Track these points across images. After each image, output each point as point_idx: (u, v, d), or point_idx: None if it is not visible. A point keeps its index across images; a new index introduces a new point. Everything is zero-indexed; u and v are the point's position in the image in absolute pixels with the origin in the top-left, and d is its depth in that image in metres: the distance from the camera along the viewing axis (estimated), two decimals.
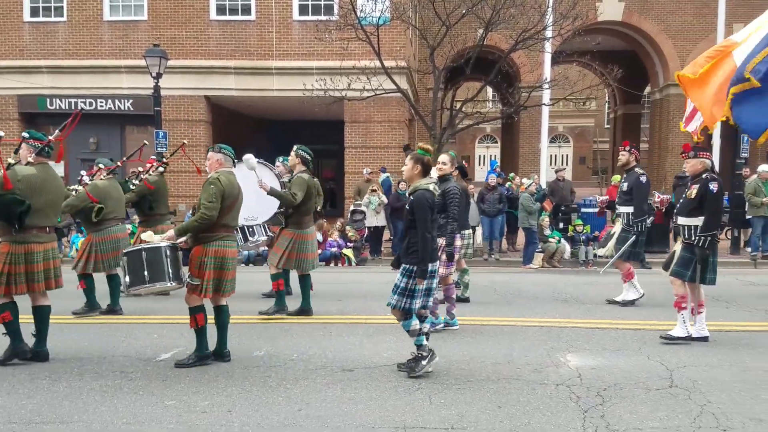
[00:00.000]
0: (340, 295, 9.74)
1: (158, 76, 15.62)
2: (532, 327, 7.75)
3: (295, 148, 8.68)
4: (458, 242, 7.77)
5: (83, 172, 9.51)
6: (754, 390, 5.43)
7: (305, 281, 8.65)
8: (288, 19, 18.96)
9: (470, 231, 9.11)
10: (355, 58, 16.70)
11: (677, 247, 7.19)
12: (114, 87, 19.26)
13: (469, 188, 9.29)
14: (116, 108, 19.41)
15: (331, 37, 16.22)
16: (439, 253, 7.47)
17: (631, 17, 24.12)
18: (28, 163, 6.26)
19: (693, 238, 6.90)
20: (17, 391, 5.51)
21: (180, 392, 5.46)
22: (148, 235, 6.37)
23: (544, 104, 17.58)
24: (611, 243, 9.37)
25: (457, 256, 7.72)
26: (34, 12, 19.44)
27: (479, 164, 54.14)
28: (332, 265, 14.28)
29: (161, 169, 9.83)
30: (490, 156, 50.42)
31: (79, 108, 8.21)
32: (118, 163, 9.09)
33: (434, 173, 7.16)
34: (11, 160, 6.21)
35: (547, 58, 17.57)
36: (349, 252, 14.58)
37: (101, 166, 8.90)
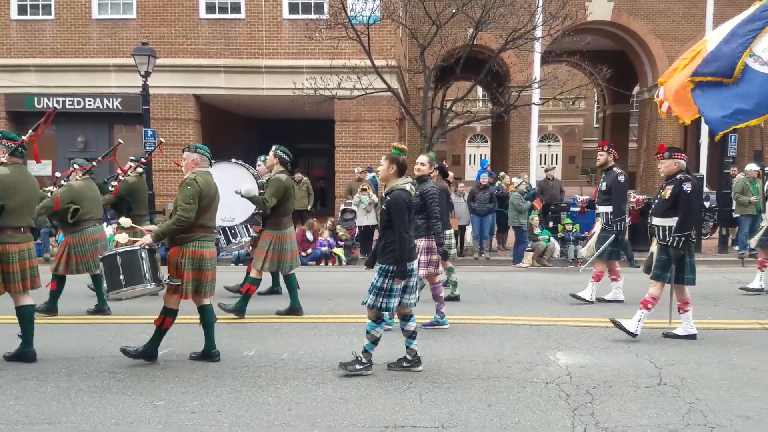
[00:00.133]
0: (330, 295, 9.73)
1: (147, 74, 15.53)
2: (522, 325, 7.77)
3: (273, 148, 8.61)
4: (422, 243, 7.76)
5: (58, 174, 9.41)
6: (742, 387, 5.46)
7: (290, 281, 8.62)
8: (278, 18, 18.91)
9: (451, 231, 9.12)
10: (346, 57, 16.68)
11: (653, 248, 7.23)
12: (102, 85, 19.15)
13: (450, 188, 9.29)
14: (105, 107, 19.31)
15: (322, 36, 16.20)
16: (419, 254, 7.51)
17: (620, 17, 24.22)
18: (1, 164, 6.19)
19: (667, 239, 6.94)
20: (4, 392, 5.47)
21: (169, 392, 5.44)
22: (122, 237, 6.33)
23: (533, 104, 17.61)
24: (591, 242, 9.41)
25: (424, 258, 7.72)
26: (22, 10, 19.31)
27: (469, 163, 54.29)
28: (323, 264, 14.25)
29: (140, 170, 9.74)
30: (481, 155, 50.54)
31: (53, 108, 8.13)
32: (93, 163, 8.97)
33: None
34: None
35: (537, 57, 17.62)
36: (339, 251, 14.56)
37: (75, 166, 8.78)
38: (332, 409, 5.02)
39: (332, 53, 17.07)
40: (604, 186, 9.12)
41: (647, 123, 25.75)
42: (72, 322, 8.15)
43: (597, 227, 9.38)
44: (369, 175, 16.86)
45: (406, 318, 6.00)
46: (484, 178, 14.63)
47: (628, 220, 9.47)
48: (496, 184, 15.53)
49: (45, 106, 19.23)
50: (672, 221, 6.93)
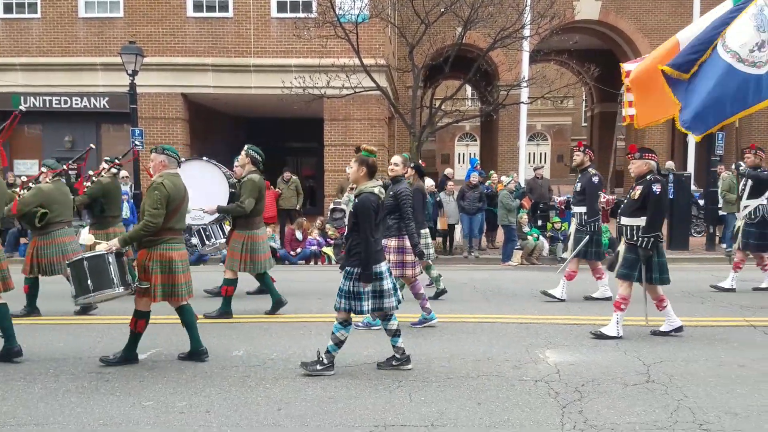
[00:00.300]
0: (320, 294, 9.70)
1: (134, 73, 15.46)
2: (512, 324, 7.78)
3: (246, 147, 8.55)
4: (407, 243, 7.75)
5: (24, 178, 9.29)
6: (729, 384, 5.50)
7: (264, 279, 8.59)
8: (266, 16, 18.85)
9: (426, 230, 9.12)
10: (334, 55, 16.65)
11: (621, 248, 7.27)
12: (89, 84, 19.02)
13: (425, 187, 9.31)
14: (92, 106, 19.16)
15: (310, 35, 16.15)
16: (389, 254, 7.52)
17: (608, 16, 24.31)
18: None
19: (636, 239, 6.98)
20: None
21: (157, 393, 5.41)
22: (87, 238, 6.27)
23: (522, 102, 17.66)
24: (569, 243, 9.46)
25: (410, 257, 7.72)
26: (8, 8, 19.12)
27: (459, 162, 54.32)
28: (312, 263, 14.23)
29: (114, 171, 9.64)
30: (470, 154, 50.55)
31: (21, 110, 8.02)
32: (64, 167, 8.86)
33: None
34: None
35: (525, 56, 17.67)
36: (329, 250, 14.54)
37: (44, 169, 8.64)
38: (322, 408, 5.02)
39: (321, 52, 17.03)
40: (578, 186, 9.21)
41: None
42: (59, 322, 8.10)
43: (572, 228, 9.43)
44: None
45: (386, 318, 5.98)
46: (474, 177, 14.66)
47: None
48: (486, 183, 15.55)
49: (31, 105, 19.07)
50: (640, 221, 6.97)
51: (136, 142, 10.62)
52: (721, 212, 15.10)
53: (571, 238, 9.35)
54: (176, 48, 18.94)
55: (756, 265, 10.10)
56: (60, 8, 18.98)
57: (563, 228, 14.57)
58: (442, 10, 15.43)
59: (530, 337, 7.15)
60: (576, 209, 9.22)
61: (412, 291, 7.77)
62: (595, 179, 8.96)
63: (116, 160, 9.68)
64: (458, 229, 15.15)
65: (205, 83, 19.07)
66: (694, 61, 7.73)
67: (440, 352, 6.53)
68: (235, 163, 9.32)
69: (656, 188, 6.88)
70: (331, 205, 15.76)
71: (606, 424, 4.65)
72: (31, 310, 8.41)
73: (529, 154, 43.57)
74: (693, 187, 17.31)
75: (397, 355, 6.00)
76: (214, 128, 22.25)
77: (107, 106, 19.09)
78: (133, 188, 15.56)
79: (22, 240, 14.42)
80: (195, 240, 9.39)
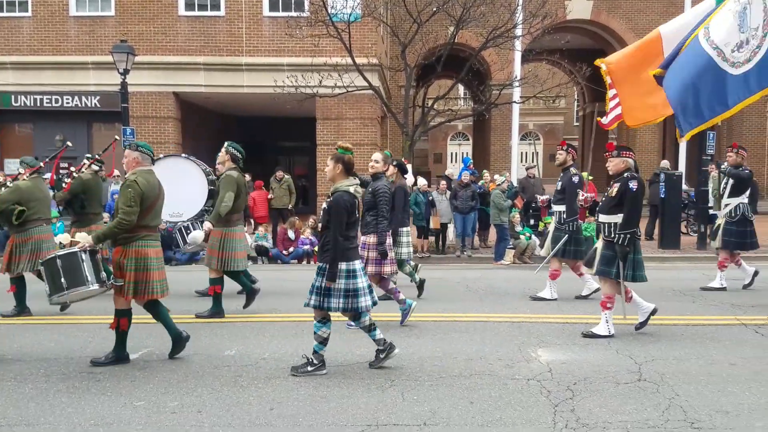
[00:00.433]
0: None
1: (125, 72, 15.42)
2: (504, 323, 7.79)
3: (225, 144, 8.52)
4: (388, 240, 7.77)
5: (0, 179, 9.24)
6: (721, 383, 5.51)
7: (236, 278, 8.54)
8: (258, 15, 18.83)
9: (407, 228, 9.13)
10: (327, 54, 16.64)
11: (599, 245, 7.29)
12: (80, 83, 18.96)
13: (419, 186, 9.31)
14: (83, 104, 19.11)
15: (302, 34, 16.14)
16: (368, 251, 7.56)
17: (600, 16, 24.39)
18: None
19: (613, 236, 7.01)
20: None
21: (149, 393, 5.39)
22: (63, 238, 6.25)
23: (514, 102, 17.68)
24: (547, 242, 9.48)
25: (391, 254, 7.72)
26: None
27: (451, 161, 54.41)
28: (305, 262, 14.21)
29: (95, 167, 9.59)
30: (462, 153, 50.64)
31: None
32: (41, 164, 8.80)
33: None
34: None
35: (517, 56, 17.69)
36: None
37: (21, 170, 8.58)
38: (314, 408, 5.01)
39: (313, 51, 17.02)
40: (559, 185, 9.26)
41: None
42: (50, 322, 8.06)
43: (551, 226, 9.46)
44: None
45: (357, 318, 5.95)
46: (466, 176, 14.67)
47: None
48: (479, 183, 15.57)
49: (22, 104, 19.03)
50: (617, 218, 7.00)
51: (116, 136, 10.54)
52: (712, 211, 15.13)
53: (549, 236, 9.39)
54: (168, 47, 18.89)
55: (731, 263, 10.18)
56: (51, 6, 18.92)
57: None
58: (435, 9, 15.44)
59: (522, 336, 7.16)
60: (556, 208, 9.28)
61: (382, 287, 7.76)
62: (575, 178, 8.99)
63: (97, 156, 9.62)
64: (451, 228, 15.16)
65: (197, 82, 19.03)
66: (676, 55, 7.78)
67: (433, 351, 6.53)
68: (218, 161, 9.30)
69: (633, 185, 6.92)
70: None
71: (598, 422, 4.66)
72: (22, 309, 8.37)
73: (522, 153, 43.66)
74: (684, 186, 17.37)
75: (381, 347, 5.98)
76: (206, 127, 22.20)
77: (98, 105, 19.04)
78: None
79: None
80: (178, 238, 9.35)
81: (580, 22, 24.51)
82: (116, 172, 9.57)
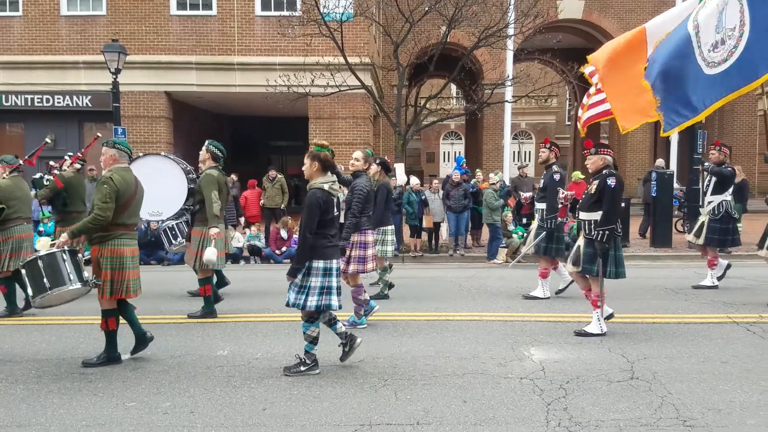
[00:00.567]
0: None
1: (117, 71, 15.36)
2: (497, 321, 7.80)
3: (206, 143, 8.48)
4: (370, 238, 7.75)
5: None
6: (713, 380, 5.53)
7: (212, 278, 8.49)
8: (250, 14, 18.81)
9: (392, 227, 9.12)
10: (319, 54, 16.62)
11: (580, 242, 7.31)
12: (72, 83, 18.91)
13: (412, 186, 9.31)
14: (74, 104, 19.06)
15: (294, 33, 16.12)
16: (352, 249, 7.55)
17: (591, 15, 24.46)
18: None
19: (593, 233, 7.03)
20: None
21: (141, 393, 5.37)
22: (41, 244, 6.22)
23: (506, 101, 17.70)
24: (529, 239, 9.51)
25: (371, 251, 7.71)
26: None
27: (444, 161, 54.42)
28: None
29: (77, 165, 9.54)
30: (455, 152, 50.67)
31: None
32: (20, 162, 8.73)
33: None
34: None
35: (509, 55, 17.73)
36: None
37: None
38: (307, 408, 5.00)
39: (305, 50, 17.00)
40: (542, 183, 9.30)
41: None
42: (41, 322, 8.02)
43: (534, 224, 9.49)
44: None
45: (310, 320, 5.90)
46: (456, 176, 14.68)
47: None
48: (471, 182, 15.58)
49: (13, 103, 18.96)
50: (597, 215, 7.02)
51: (98, 134, 10.49)
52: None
53: (532, 233, 9.42)
54: (159, 46, 18.85)
55: (701, 256, 10.29)
56: (42, 6, 18.85)
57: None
58: (427, 8, 15.45)
59: (515, 334, 7.16)
60: (538, 205, 9.33)
61: (353, 293, 7.66)
62: (557, 176, 9.00)
63: (79, 154, 9.57)
64: (444, 227, 15.17)
65: (189, 81, 19.00)
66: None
67: (426, 351, 6.53)
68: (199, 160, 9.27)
69: (611, 182, 6.96)
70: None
71: (590, 420, 4.67)
72: (12, 309, 8.32)
73: (513, 152, 43.70)
74: (676, 185, 17.43)
75: (343, 340, 6.01)
76: (198, 127, 22.15)
77: (90, 105, 19.00)
78: None
79: None
80: (163, 239, 9.31)
81: (572, 21, 24.58)
82: (77, 165, 9.48)
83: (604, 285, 7.15)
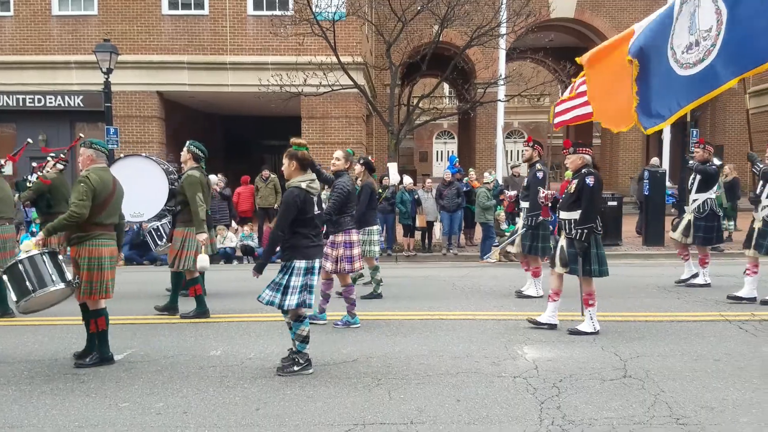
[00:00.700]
0: None
1: (109, 71, 15.30)
2: (490, 320, 7.81)
3: (187, 143, 8.47)
4: (355, 237, 7.74)
5: None
6: (705, 378, 5.55)
7: (179, 278, 8.44)
8: (242, 14, 18.77)
9: (377, 227, 9.13)
10: (311, 53, 16.60)
11: (562, 242, 7.33)
12: (63, 83, 18.83)
13: (375, 183, 9.30)
14: (66, 104, 18.98)
15: (287, 32, 16.08)
16: (337, 248, 7.56)
17: (583, 14, 24.50)
18: None
19: (573, 232, 7.05)
20: None
21: (134, 394, 5.36)
22: (24, 245, 6.21)
23: (499, 100, 17.71)
24: (517, 238, 9.52)
25: (357, 252, 7.70)
26: None
27: (437, 160, 54.43)
28: None
29: (60, 165, 9.50)
30: (448, 151, 50.68)
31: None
32: (1, 162, 8.69)
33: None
34: None
35: (502, 54, 17.73)
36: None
37: None
38: (300, 408, 4.99)
39: (298, 49, 16.97)
40: (525, 181, 9.33)
41: None
42: (33, 323, 7.98)
43: (519, 222, 9.51)
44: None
45: (300, 320, 5.90)
46: (448, 175, 14.70)
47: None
48: (464, 181, 15.60)
49: (4, 104, 18.88)
50: (577, 214, 7.05)
51: (80, 134, 10.46)
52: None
53: (519, 232, 9.43)
54: (151, 46, 18.80)
55: (677, 254, 10.37)
56: (33, 6, 18.77)
57: None
58: (419, 8, 15.44)
59: (509, 333, 7.17)
60: (523, 204, 9.35)
61: (344, 293, 7.69)
62: (540, 174, 9.02)
63: (62, 155, 9.54)
64: (437, 226, 15.18)
65: (181, 81, 18.95)
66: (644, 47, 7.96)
67: (419, 350, 6.53)
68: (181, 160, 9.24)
69: (590, 181, 6.98)
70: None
71: (584, 419, 4.68)
72: (5, 311, 8.28)
73: (507, 151, 43.71)
74: (668, 184, 17.50)
75: (301, 361, 5.87)
76: (191, 126, 22.08)
77: (82, 105, 18.92)
78: None
79: None
80: (149, 240, 9.30)
81: (564, 20, 24.60)
82: (60, 166, 9.44)
83: (593, 287, 7.15)
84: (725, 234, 15.14)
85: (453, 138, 51.12)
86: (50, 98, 18.91)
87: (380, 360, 6.18)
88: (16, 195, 8.99)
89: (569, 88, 9.97)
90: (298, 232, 5.71)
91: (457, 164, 17.10)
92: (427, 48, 16.28)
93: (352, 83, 15.85)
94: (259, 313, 8.36)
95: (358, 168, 9.17)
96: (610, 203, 15.21)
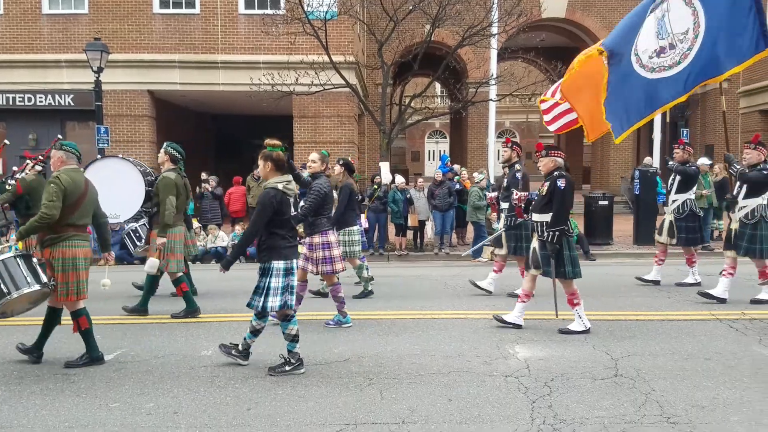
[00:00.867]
0: None
1: (99, 70, 15.25)
2: (482, 320, 7.81)
3: (164, 145, 8.48)
4: (332, 238, 7.70)
5: None
6: (696, 377, 5.57)
7: (156, 280, 8.39)
8: (233, 13, 18.73)
9: (357, 227, 9.10)
10: (303, 52, 16.57)
11: (534, 244, 7.35)
12: (54, 82, 18.74)
13: (354, 184, 9.28)
14: (56, 103, 18.88)
15: (278, 31, 16.06)
16: (316, 250, 7.56)
17: (574, 14, 24.55)
18: None
19: (545, 234, 7.07)
20: None
21: (124, 394, 5.33)
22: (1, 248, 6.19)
23: (491, 100, 17.74)
24: (502, 238, 9.53)
25: (337, 252, 7.69)
26: None
27: (429, 159, 54.45)
28: None
29: (39, 167, 9.47)
30: (440, 151, 50.71)
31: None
32: None
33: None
34: None
35: (493, 54, 17.75)
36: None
37: None
38: (292, 407, 4.98)
39: (289, 49, 16.95)
40: (505, 182, 9.34)
41: None
42: (22, 323, 7.91)
43: (501, 222, 9.52)
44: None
45: (288, 319, 5.89)
46: (439, 174, 14.71)
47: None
48: (455, 180, 15.60)
49: None
50: (549, 216, 7.07)
51: (59, 135, 10.44)
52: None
53: (502, 232, 9.44)
54: (142, 45, 18.73)
55: (653, 259, 10.39)
56: (23, 4, 18.67)
57: None
58: (411, 7, 15.45)
59: (500, 332, 7.18)
60: (503, 204, 9.39)
61: (332, 293, 7.68)
62: (519, 174, 9.03)
63: (40, 157, 9.51)
64: (429, 225, 15.18)
65: (172, 80, 18.89)
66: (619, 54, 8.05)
67: (411, 349, 6.53)
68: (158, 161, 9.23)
69: (561, 183, 7.01)
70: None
71: (575, 418, 4.68)
72: None
73: (498, 151, 43.78)
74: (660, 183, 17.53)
75: (292, 360, 5.87)
76: (182, 125, 22.04)
77: (72, 104, 18.83)
78: None
79: None
80: (127, 242, 9.29)
81: (555, 20, 24.64)
82: (39, 168, 9.44)
83: (574, 286, 7.16)
84: (715, 233, 15.23)
85: (445, 137, 51.16)
86: (40, 97, 18.81)
87: (372, 359, 6.17)
88: None
89: (551, 90, 10.04)
90: (275, 233, 5.70)
91: (449, 163, 17.12)
92: (419, 47, 16.29)
93: (343, 82, 15.84)
94: (250, 313, 8.32)
95: (337, 169, 9.17)
96: (601, 203, 15.26)
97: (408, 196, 14.53)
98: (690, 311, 8.19)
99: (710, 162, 15.74)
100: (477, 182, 14.34)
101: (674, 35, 7.84)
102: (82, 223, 6.16)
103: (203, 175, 17.77)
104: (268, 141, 5.86)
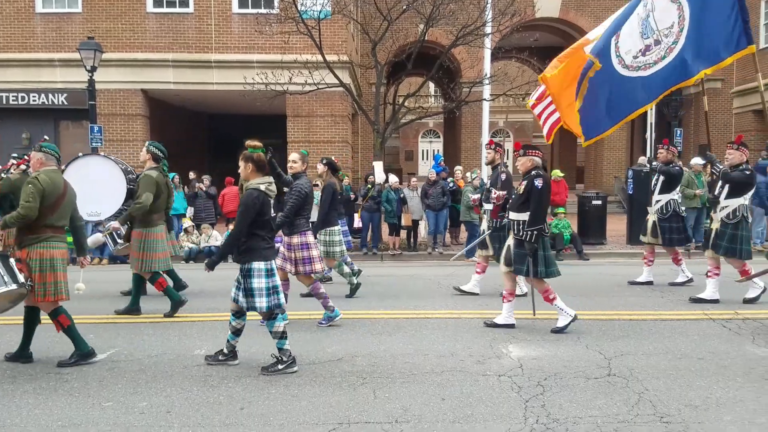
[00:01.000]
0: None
1: (93, 69, 15.20)
2: (475, 319, 7.82)
3: (147, 144, 8.49)
4: (310, 239, 7.66)
5: None
6: (689, 377, 5.59)
7: (136, 279, 8.42)
8: (227, 12, 18.71)
9: (338, 227, 9.08)
10: (297, 51, 16.56)
11: (509, 242, 7.37)
12: (47, 81, 18.69)
13: (337, 184, 9.27)
14: (50, 102, 18.83)
15: (272, 31, 16.04)
16: (295, 250, 7.51)
17: (568, 14, 24.60)
18: None
19: (521, 233, 7.09)
20: None
21: (117, 393, 5.32)
22: None
23: (484, 99, 17.75)
24: (487, 240, 9.55)
25: (316, 252, 7.67)
26: None
27: (422, 159, 54.50)
28: None
29: (23, 166, 9.45)
30: (433, 151, 50.77)
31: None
32: None
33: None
34: None
35: (487, 54, 17.76)
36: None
37: None
38: (285, 407, 4.98)
39: (283, 48, 16.94)
40: (488, 183, 9.37)
41: None
42: (15, 323, 7.88)
43: (484, 224, 9.53)
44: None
45: (272, 318, 5.89)
46: (432, 174, 14.72)
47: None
48: (449, 180, 15.62)
49: None
50: (526, 215, 7.10)
51: (45, 136, 10.42)
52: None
53: (487, 234, 9.46)
54: (136, 44, 18.69)
55: (644, 257, 10.40)
56: (17, 3, 18.61)
57: None
58: (404, 7, 15.45)
59: (493, 332, 7.19)
60: (486, 206, 9.37)
61: (312, 291, 7.66)
62: (503, 176, 9.02)
63: (25, 157, 9.49)
64: (422, 225, 15.19)
65: (166, 79, 18.86)
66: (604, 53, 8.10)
67: (404, 349, 6.53)
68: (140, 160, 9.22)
69: (538, 183, 7.04)
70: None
71: (568, 417, 4.69)
72: None
73: None
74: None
75: (284, 358, 5.87)
76: (175, 125, 21.99)
77: (66, 103, 18.78)
78: None
79: None
80: (107, 240, 9.29)
81: (549, 20, 24.69)
82: (23, 167, 9.44)
83: (545, 284, 7.19)
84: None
85: (438, 137, 51.18)
86: (34, 96, 18.75)
87: (365, 359, 6.17)
88: None
89: (538, 92, 10.07)
90: (255, 234, 5.70)
91: (442, 163, 17.13)
92: (413, 47, 16.29)
93: (337, 82, 15.84)
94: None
95: (320, 168, 9.15)
96: (594, 202, 15.30)
97: (401, 195, 14.54)
98: (683, 311, 8.21)
99: (704, 162, 15.78)
100: (469, 182, 14.36)
101: (659, 31, 7.87)
102: (60, 225, 6.17)
103: (191, 175, 17.76)
104: (248, 142, 5.84)
